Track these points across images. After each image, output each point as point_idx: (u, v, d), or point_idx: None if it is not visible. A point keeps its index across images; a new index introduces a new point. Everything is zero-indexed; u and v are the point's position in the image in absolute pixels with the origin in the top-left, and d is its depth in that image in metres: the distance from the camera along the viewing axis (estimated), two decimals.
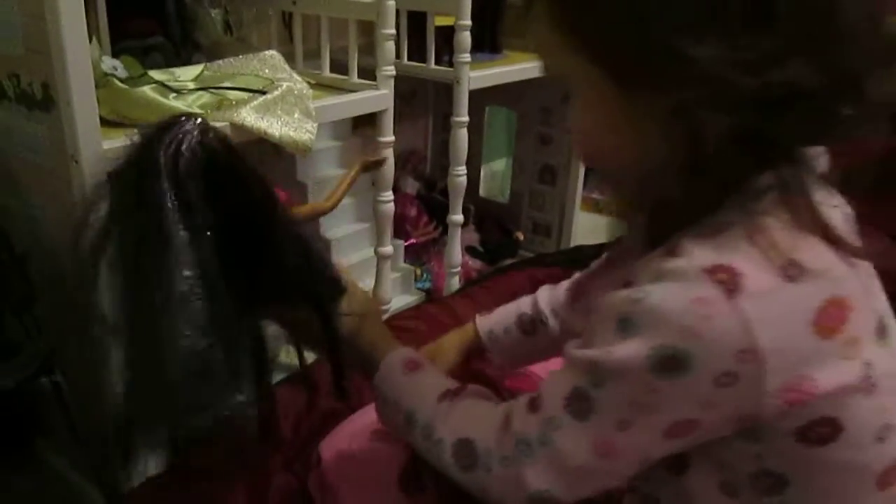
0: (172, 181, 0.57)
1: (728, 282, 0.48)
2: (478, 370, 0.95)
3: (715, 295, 0.48)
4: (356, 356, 0.73)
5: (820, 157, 0.55)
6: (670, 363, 0.49)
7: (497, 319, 0.89)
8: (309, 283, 0.67)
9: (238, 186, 0.61)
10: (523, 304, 0.88)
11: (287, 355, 1.08)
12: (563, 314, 0.84)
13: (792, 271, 0.49)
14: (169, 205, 0.56)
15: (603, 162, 0.60)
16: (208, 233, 0.57)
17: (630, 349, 0.50)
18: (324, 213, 1.19)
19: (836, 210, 0.54)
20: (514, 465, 0.58)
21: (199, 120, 0.60)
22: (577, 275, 0.85)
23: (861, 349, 0.51)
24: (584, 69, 0.52)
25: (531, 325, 0.86)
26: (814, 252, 0.50)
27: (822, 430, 0.52)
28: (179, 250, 0.55)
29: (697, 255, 0.50)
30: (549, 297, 0.86)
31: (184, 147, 0.58)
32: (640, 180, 0.56)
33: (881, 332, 0.54)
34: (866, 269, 0.55)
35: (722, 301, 0.48)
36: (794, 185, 0.51)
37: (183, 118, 0.60)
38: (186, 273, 0.55)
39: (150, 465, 0.99)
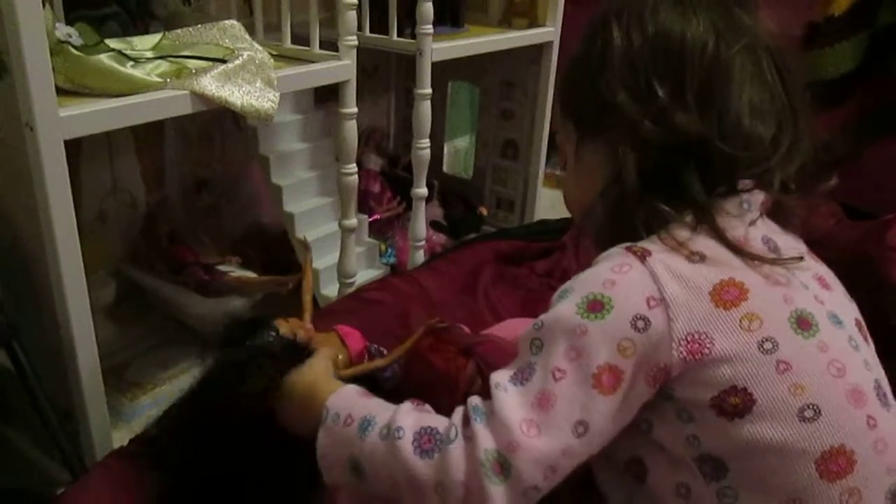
0: None
1: (641, 252, 0.60)
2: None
3: (630, 259, 0.60)
4: (297, 402, 0.71)
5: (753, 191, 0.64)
6: (595, 305, 0.58)
7: None
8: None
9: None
10: None
11: None
12: None
13: (694, 258, 0.60)
14: None
15: (579, 210, 0.73)
16: None
17: (563, 305, 0.60)
18: (378, 369, 0.89)
19: (755, 228, 0.64)
20: (466, 434, 0.58)
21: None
22: None
23: (763, 326, 0.58)
24: (565, 124, 0.71)
25: None
26: (714, 249, 0.61)
27: (734, 399, 0.57)
28: None
29: (620, 243, 0.63)
30: None
31: None
32: (586, 213, 0.70)
33: (802, 325, 0.60)
34: (798, 275, 0.63)
35: (635, 261, 0.59)
36: (700, 203, 0.62)
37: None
38: None
39: (115, 438, 0.99)
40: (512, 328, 0.96)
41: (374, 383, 0.80)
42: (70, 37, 0.94)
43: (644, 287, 0.58)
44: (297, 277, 1.29)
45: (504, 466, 0.56)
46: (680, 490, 0.61)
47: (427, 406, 0.66)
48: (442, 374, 0.80)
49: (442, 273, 1.34)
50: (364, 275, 1.49)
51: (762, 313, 0.58)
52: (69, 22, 1.04)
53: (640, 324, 0.57)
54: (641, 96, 0.63)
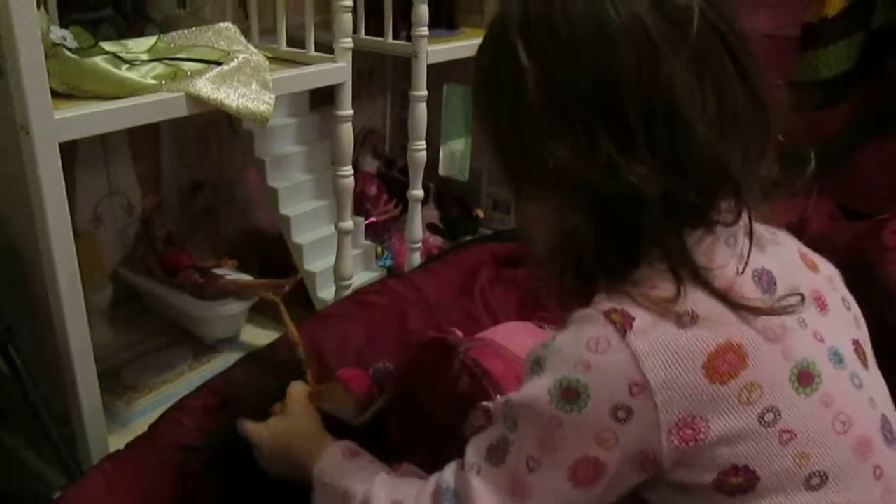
0: None
1: (620, 322, 0.52)
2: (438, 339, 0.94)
3: (608, 332, 0.52)
4: (286, 459, 0.75)
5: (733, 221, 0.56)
6: (569, 394, 0.52)
7: None
8: None
9: None
10: None
11: None
12: None
13: (685, 318, 0.52)
14: None
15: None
16: None
17: (536, 385, 0.54)
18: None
19: (742, 268, 0.56)
20: None
21: None
22: None
23: (763, 395, 0.52)
24: (495, 162, 0.59)
25: None
26: (705, 303, 0.53)
27: (735, 479, 0.53)
28: None
29: (598, 300, 0.55)
30: None
31: None
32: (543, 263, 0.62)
33: (804, 379, 0.54)
34: (789, 319, 0.55)
35: (614, 337, 0.51)
36: (677, 254, 0.53)
37: None
38: None
39: (111, 442, 0.99)
40: (508, 333, 0.96)
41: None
42: (65, 40, 0.94)
43: (624, 371, 0.51)
44: (292, 280, 1.29)
45: None
46: None
47: (406, 468, 0.69)
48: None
49: (439, 275, 1.33)
50: (361, 277, 1.49)
51: (762, 380, 0.53)
52: (64, 25, 1.04)
53: (622, 413, 0.51)
54: (580, 147, 0.52)
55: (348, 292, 1.33)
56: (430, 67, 1.38)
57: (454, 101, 2.08)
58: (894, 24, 1.43)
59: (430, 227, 1.78)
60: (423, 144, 1.42)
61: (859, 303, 0.66)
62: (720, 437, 0.52)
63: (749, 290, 0.55)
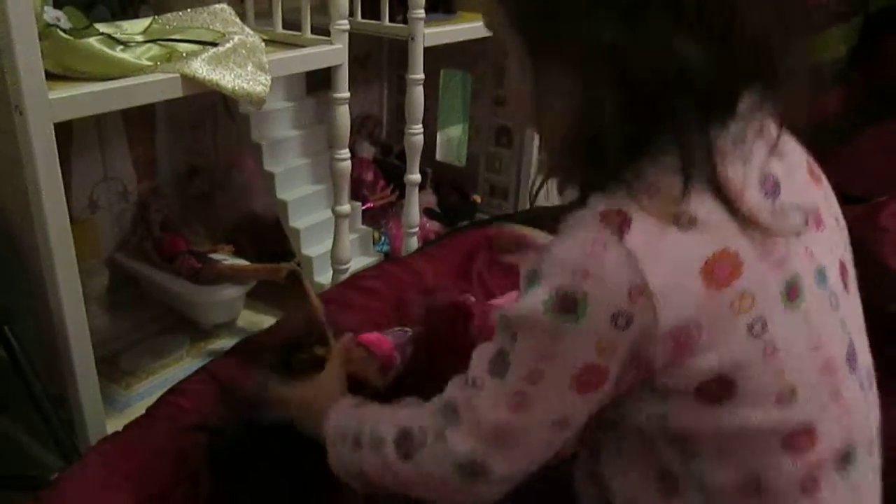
0: None
1: (617, 223, 0.50)
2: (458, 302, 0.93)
3: (605, 236, 0.50)
4: (309, 418, 0.75)
5: (755, 124, 0.54)
6: (567, 304, 0.50)
7: None
8: None
9: None
10: None
11: None
12: None
13: (683, 220, 0.50)
14: None
15: (529, 125, 0.62)
16: None
17: (534, 296, 0.52)
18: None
19: (752, 165, 0.54)
20: (442, 432, 0.59)
21: None
22: None
23: (755, 305, 0.52)
24: (510, 34, 0.55)
25: None
26: (706, 207, 0.51)
27: (715, 387, 0.53)
28: None
29: (594, 203, 0.52)
30: None
31: None
32: (551, 148, 0.60)
33: (792, 293, 0.54)
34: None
35: (611, 240, 0.49)
36: (698, 150, 0.51)
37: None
38: None
39: (109, 427, 0.98)
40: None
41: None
42: (59, 20, 0.93)
43: (623, 276, 0.49)
44: (289, 266, 1.29)
45: (477, 469, 0.57)
46: (644, 436, 0.58)
47: (407, 399, 0.68)
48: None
49: (436, 258, 1.33)
50: (358, 262, 1.49)
51: (755, 289, 0.52)
52: (58, 6, 1.03)
53: (622, 321, 0.50)
54: (625, 18, 0.48)
55: (346, 276, 1.33)
56: (426, 52, 1.37)
57: (452, 86, 2.08)
58: (892, 8, 1.42)
59: (427, 212, 1.77)
60: (419, 128, 1.42)
61: (857, 283, 0.66)
62: (710, 344, 0.51)
63: (754, 197, 0.53)
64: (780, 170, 0.56)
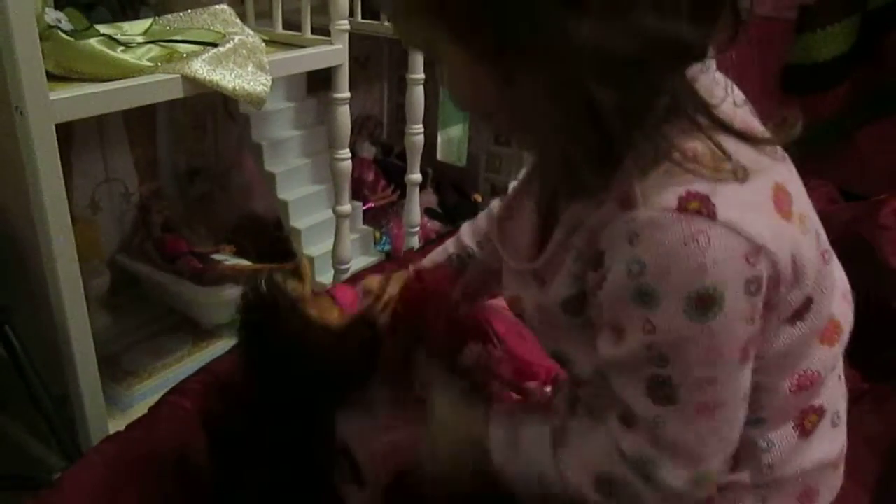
0: None
1: (703, 207, 0.49)
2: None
3: (699, 225, 0.49)
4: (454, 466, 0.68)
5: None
6: (703, 302, 0.50)
7: (429, 263, 0.89)
8: None
9: None
10: (449, 244, 0.88)
11: None
12: (487, 243, 0.82)
13: (740, 175, 0.50)
14: None
15: (483, 117, 0.59)
16: None
17: (667, 315, 0.51)
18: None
19: (738, 108, 0.54)
20: (652, 481, 0.57)
21: None
22: (494, 205, 0.82)
23: (810, 221, 0.56)
24: (444, 48, 0.52)
25: (460, 262, 0.85)
26: (742, 152, 0.51)
27: (803, 308, 0.56)
28: None
29: (654, 199, 0.50)
30: (471, 230, 0.86)
31: None
32: (535, 142, 0.59)
33: (806, 197, 0.57)
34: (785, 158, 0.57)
35: (708, 226, 0.49)
36: (690, 103, 0.51)
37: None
38: None
39: (111, 427, 0.99)
40: None
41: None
42: (59, 21, 0.93)
43: (735, 249, 0.49)
44: (291, 266, 1.29)
45: (699, 481, 0.57)
46: None
47: (568, 425, 0.64)
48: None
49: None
50: (359, 262, 1.49)
51: (803, 207, 0.55)
52: (58, 7, 1.03)
53: (753, 287, 0.51)
54: (609, 12, 0.46)
55: (347, 276, 1.33)
56: None
57: None
58: (891, 6, 1.42)
59: (428, 211, 1.78)
60: (420, 128, 1.42)
61: (857, 280, 0.67)
62: (804, 270, 0.54)
63: (752, 119, 0.55)
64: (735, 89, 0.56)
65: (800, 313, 0.57)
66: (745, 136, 0.52)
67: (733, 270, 0.50)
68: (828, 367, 0.61)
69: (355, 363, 0.78)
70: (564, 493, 0.62)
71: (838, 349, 0.62)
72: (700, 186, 0.50)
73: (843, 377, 0.67)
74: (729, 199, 0.49)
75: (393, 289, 0.84)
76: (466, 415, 0.69)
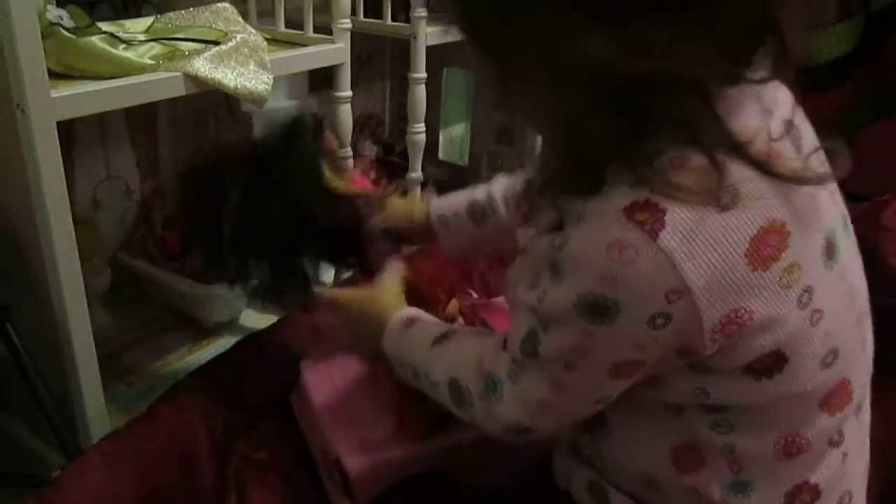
0: None
1: (648, 221, 0.45)
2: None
3: (634, 237, 0.45)
4: (361, 338, 0.79)
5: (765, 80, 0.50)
6: (598, 309, 0.47)
7: (449, 204, 0.88)
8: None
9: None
10: (478, 191, 0.87)
11: None
12: (515, 205, 0.82)
13: (725, 200, 0.46)
14: None
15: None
16: None
17: (560, 295, 0.49)
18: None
19: (783, 140, 0.51)
20: (486, 400, 0.61)
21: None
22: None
23: (802, 275, 0.49)
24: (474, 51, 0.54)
25: (481, 213, 0.85)
26: (744, 176, 0.47)
27: (767, 361, 0.51)
28: None
29: (615, 192, 0.47)
30: (504, 185, 0.86)
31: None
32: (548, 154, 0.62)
33: (829, 251, 0.52)
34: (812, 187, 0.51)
35: (642, 243, 0.45)
36: (703, 112, 0.46)
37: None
38: None
39: (112, 425, 0.99)
40: None
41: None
42: (61, 19, 0.93)
43: (658, 280, 0.45)
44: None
45: (521, 431, 0.60)
46: (671, 408, 0.56)
47: (455, 332, 0.70)
48: (423, 297, 0.86)
49: (438, 256, 1.33)
50: None
51: (802, 258, 0.49)
52: (60, 4, 1.03)
53: (660, 321, 0.47)
54: (600, 20, 0.43)
55: (347, 275, 1.33)
56: (429, 51, 1.37)
57: (454, 86, 2.07)
58: (894, 6, 1.42)
59: None
60: (422, 127, 1.42)
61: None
62: (762, 324, 0.48)
63: (785, 150, 0.49)
64: (794, 115, 0.52)
65: (768, 370, 0.51)
66: (756, 163, 0.47)
67: (644, 299, 0.46)
68: (822, 436, 0.56)
69: (339, 224, 0.93)
70: (426, 389, 0.69)
71: (841, 420, 0.56)
72: (662, 198, 0.46)
73: (863, 458, 0.62)
74: (684, 226, 0.45)
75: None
76: (391, 297, 0.78)
